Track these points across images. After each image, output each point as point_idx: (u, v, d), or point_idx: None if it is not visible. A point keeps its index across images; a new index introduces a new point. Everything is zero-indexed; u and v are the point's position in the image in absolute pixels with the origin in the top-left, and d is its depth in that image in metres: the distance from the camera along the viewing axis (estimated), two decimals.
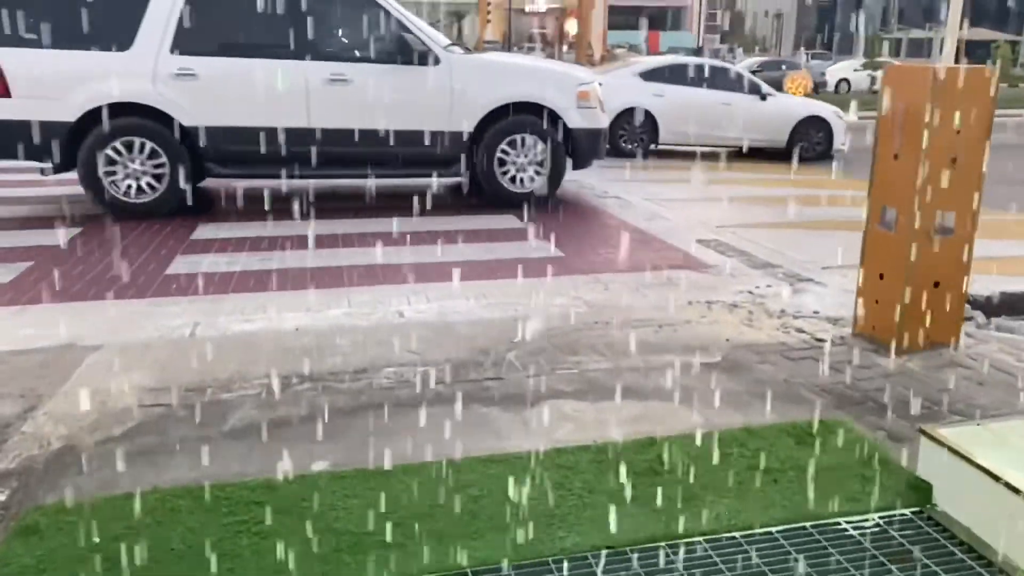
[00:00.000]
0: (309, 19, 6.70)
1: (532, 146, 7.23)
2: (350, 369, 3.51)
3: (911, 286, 3.70)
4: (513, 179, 7.30)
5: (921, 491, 2.55)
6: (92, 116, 6.39)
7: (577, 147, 7.37)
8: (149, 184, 6.58)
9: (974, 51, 39.77)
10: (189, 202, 6.55)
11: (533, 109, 7.16)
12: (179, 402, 3.17)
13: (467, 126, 7.04)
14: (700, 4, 46.64)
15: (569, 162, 7.51)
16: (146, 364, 3.55)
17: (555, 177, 7.40)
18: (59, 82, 6.34)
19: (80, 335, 3.88)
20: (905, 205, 3.67)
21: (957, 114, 3.57)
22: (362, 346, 3.79)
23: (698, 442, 2.85)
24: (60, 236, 5.95)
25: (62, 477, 2.62)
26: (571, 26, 42.75)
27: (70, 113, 6.36)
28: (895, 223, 3.73)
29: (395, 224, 6.50)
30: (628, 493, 2.53)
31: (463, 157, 7.10)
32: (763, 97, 11.94)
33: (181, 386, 3.32)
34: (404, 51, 6.90)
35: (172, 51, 6.53)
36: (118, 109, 6.40)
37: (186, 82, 6.53)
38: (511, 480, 2.58)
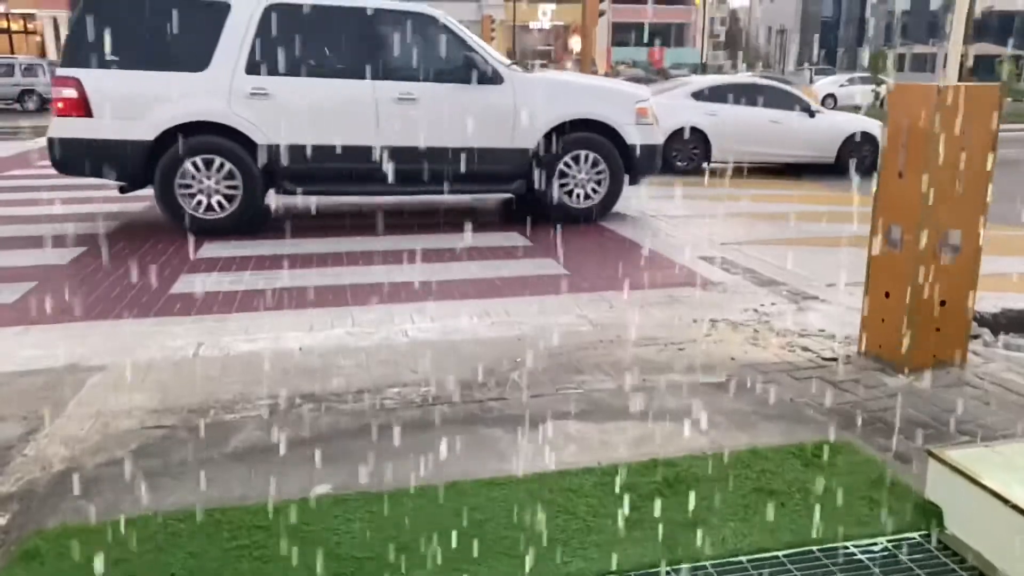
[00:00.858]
0: (378, 40, 6.99)
1: (592, 162, 7.37)
2: (353, 389, 3.49)
3: (917, 305, 3.68)
4: (572, 194, 7.43)
5: (930, 514, 2.51)
6: (169, 135, 6.56)
7: (635, 163, 7.49)
8: (222, 201, 6.73)
9: (977, 66, 39.82)
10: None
11: (591, 126, 7.30)
12: (181, 424, 3.16)
13: (529, 143, 7.19)
14: (703, 20, 46.84)
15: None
16: (149, 385, 3.54)
17: (614, 192, 7.53)
18: (138, 102, 6.52)
19: (83, 355, 3.87)
20: (910, 223, 3.65)
21: (961, 132, 3.56)
22: (365, 366, 3.77)
23: (703, 464, 2.82)
24: (64, 255, 5.97)
25: (64, 501, 2.60)
26: (575, 43, 42.92)
27: (148, 132, 6.53)
28: (900, 241, 3.71)
29: (399, 242, 6.51)
30: (633, 516, 2.51)
31: (525, 173, 7.27)
32: (811, 114, 12.08)
33: (184, 407, 3.31)
34: (469, 71, 7.09)
35: (247, 71, 6.71)
36: (194, 128, 6.59)
37: (260, 101, 6.70)
38: (515, 503, 2.56)
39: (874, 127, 12.40)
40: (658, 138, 7.73)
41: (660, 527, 2.45)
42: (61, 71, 6.59)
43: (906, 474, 2.78)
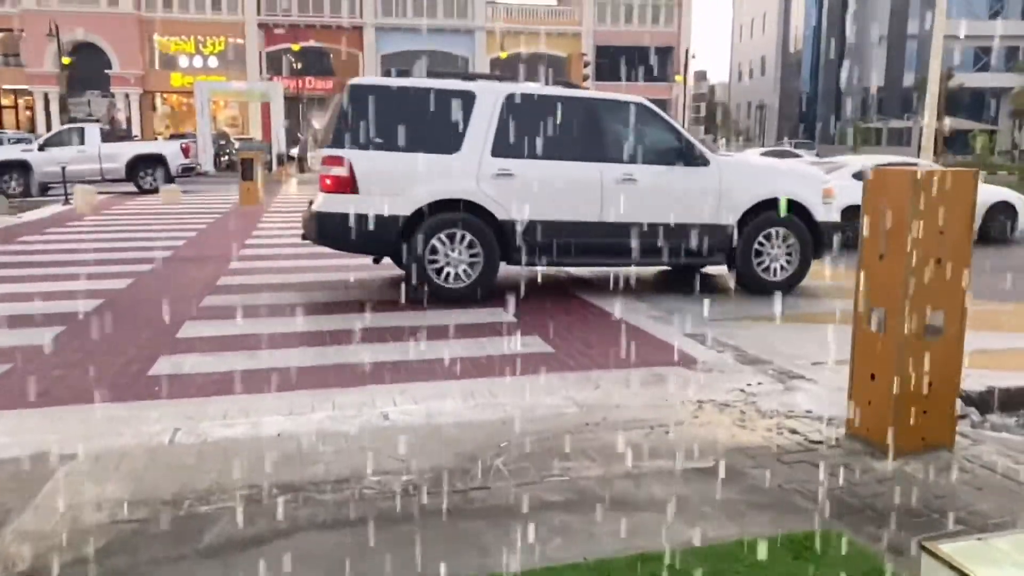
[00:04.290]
0: (601, 126, 7.71)
1: (784, 238, 7.89)
2: (332, 478, 3.40)
3: (903, 387, 3.65)
4: (766, 268, 7.93)
5: None
6: (420, 211, 7.09)
7: (820, 239, 8.00)
8: (461, 272, 7.21)
9: (952, 140, 40.79)
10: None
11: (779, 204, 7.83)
12: (154, 517, 3.06)
13: (731, 219, 7.74)
14: (684, 96, 47.98)
15: None
16: (122, 475, 3.44)
17: (804, 266, 8.02)
18: (399, 180, 7.04)
19: (55, 443, 3.76)
20: (893, 305, 3.66)
21: (940, 215, 3.60)
22: (345, 453, 3.68)
23: (692, 558, 2.74)
24: (42, 335, 5.87)
25: None
26: None
27: (407, 208, 7.05)
28: (884, 324, 3.71)
29: (381, 319, 6.46)
30: None
31: (726, 248, 7.79)
32: None
33: (157, 499, 3.20)
34: (680, 154, 7.75)
35: (492, 154, 7.26)
36: (441, 205, 7.12)
37: (504, 181, 7.24)
38: None
39: (1013, 197, 13.35)
40: (837, 215, 8.28)
41: None
42: (330, 151, 7.08)
43: (899, 566, 2.71)
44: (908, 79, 53.99)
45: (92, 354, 5.44)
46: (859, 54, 58.10)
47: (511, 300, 7.08)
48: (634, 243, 7.42)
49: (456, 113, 7.20)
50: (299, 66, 42.15)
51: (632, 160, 7.54)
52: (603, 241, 7.35)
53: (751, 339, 5.97)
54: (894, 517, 3.10)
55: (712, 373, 5.13)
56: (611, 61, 46.60)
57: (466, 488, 3.31)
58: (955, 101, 44.65)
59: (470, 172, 7.20)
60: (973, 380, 4.77)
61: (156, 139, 32.76)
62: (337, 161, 7.01)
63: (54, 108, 40.53)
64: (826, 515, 3.11)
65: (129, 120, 41.76)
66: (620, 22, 49.15)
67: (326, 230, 7.04)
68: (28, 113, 43.76)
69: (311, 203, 7.56)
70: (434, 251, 7.11)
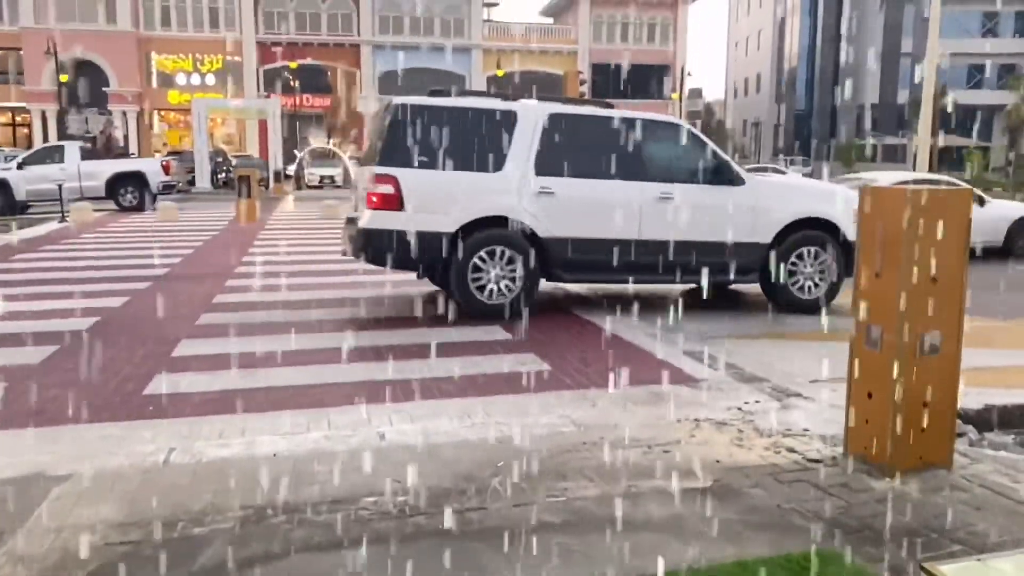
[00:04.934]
0: (640, 145, 7.73)
1: (818, 257, 8.01)
2: (327, 499, 3.38)
3: (900, 405, 3.64)
4: (799, 287, 8.02)
5: None
6: (464, 228, 7.19)
7: (851, 257, 7.95)
8: (503, 287, 7.31)
9: (946, 157, 40.99)
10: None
11: (815, 223, 7.95)
12: (147, 539, 3.03)
13: (766, 238, 7.86)
14: (680, 114, 48.18)
15: None
16: (115, 496, 3.41)
17: (836, 284, 8.08)
18: (444, 198, 7.20)
19: (48, 464, 3.74)
20: (890, 324, 3.66)
21: (936, 233, 3.60)
22: (341, 473, 3.66)
23: None
24: (36, 355, 5.85)
25: None
26: None
27: (451, 225, 7.17)
28: (880, 342, 3.70)
29: (377, 337, 6.46)
30: None
31: (761, 266, 7.86)
32: (981, 203, 12.76)
33: (150, 520, 3.17)
34: (718, 174, 7.87)
35: (535, 172, 7.39)
36: (484, 222, 7.26)
37: (545, 199, 7.39)
38: None
39: None
40: None
41: None
42: (379, 169, 7.14)
43: None
44: (902, 96, 54.35)
45: (87, 373, 5.41)
46: (854, 71, 58.48)
47: (508, 318, 7.09)
48: (670, 261, 7.49)
49: (499, 132, 7.35)
50: (296, 84, 42.32)
51: (670, 179, 7.67)
52: (640, 258, 7.45)
53: (749, 357, 5.96)
54: (893, 537, 3.08)
55: (710, 391, 5.11)
56: (607, 79, 46.84)
57: (463, 508, 3.29)
58: (949, 118, 44.89)
59: (512, 190, 7.33)
60: (970, 398, 4.76)
61: (154, 156, 32.82)
62: (384, 179, 7.10)
63: (52, 126, 40.59)
64: (825, 535, 3.09)
65: (127, 138, 41.83)
66: (616, 40, 49.43)
67: (372, 247, 7.12)
68: (25, 131, 43.83)
69: (351, 220, 7.64)
70: (476, 267, 7.23)
